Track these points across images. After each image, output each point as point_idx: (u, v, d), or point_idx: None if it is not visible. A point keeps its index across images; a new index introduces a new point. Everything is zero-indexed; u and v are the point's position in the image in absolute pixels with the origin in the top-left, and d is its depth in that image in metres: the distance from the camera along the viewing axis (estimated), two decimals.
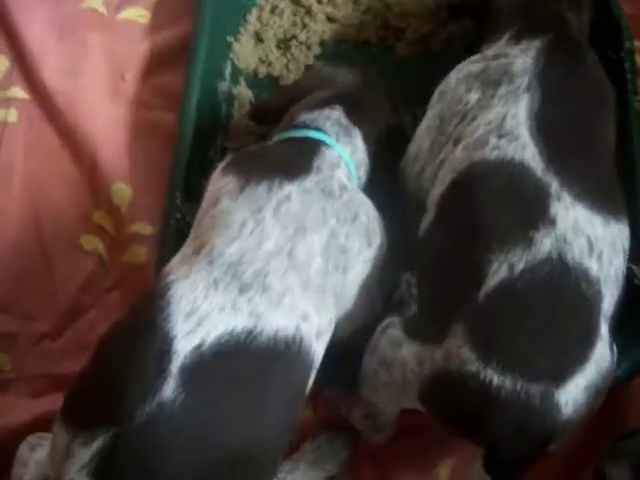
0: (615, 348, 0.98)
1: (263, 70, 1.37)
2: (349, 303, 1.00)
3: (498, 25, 1.16)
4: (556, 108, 1.01)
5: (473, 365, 0.88)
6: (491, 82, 1.04)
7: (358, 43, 1.42)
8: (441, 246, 0.99)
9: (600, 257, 0.92)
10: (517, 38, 1.10)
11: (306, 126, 1.06)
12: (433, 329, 0.93)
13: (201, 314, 0.87)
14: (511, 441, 0.90)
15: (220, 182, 0.99)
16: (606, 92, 1.10)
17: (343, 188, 1.00)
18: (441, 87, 1.12)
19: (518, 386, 0.87)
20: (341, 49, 1.41)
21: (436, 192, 1.02)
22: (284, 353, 0.89)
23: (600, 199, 0.96)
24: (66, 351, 1.21)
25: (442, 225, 0.99)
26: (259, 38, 1.40)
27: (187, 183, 1.23)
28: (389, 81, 1.33)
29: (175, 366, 0.83)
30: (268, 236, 0.92)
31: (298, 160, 1.00)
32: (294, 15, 1.42)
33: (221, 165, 1.02)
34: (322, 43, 1.41)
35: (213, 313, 0.87)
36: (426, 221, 1.02)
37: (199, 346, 0.85)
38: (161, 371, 0.83)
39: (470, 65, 1.09)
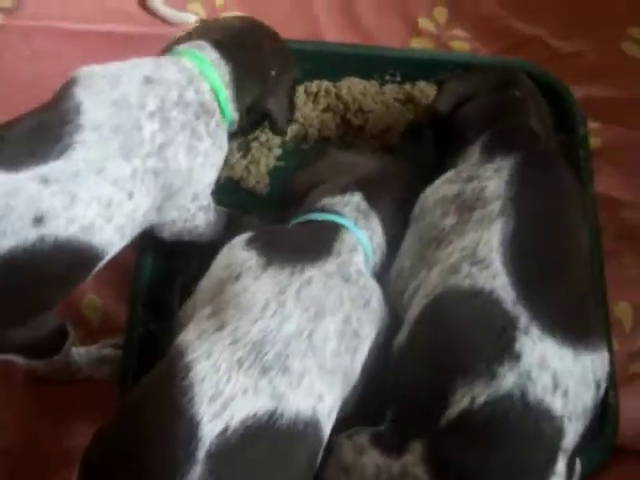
0: (578, 468, 0.99)
1: (224, 173, 1.36)
2: (352, 384, 1.01)
3: (466, 134, 1.19)
4: (529, 232, 1.02)
5: None
6: (466, 207, 1.06)
7: (319, 141, 1.44)
8: (412, 368, 0.99)
9: (566, 393, 0.92)
10: (489, 153, 1.12)
11: (326, 210, 1.10)
12: (395, 442, 0.94)
13: (225, 397, 0.88)
14: None
15: (241, 256, 1.02)
16: (578, 206, 1.11)
17: (359, 274, 1.04)
18: (421, 203, 1.13)
19: None
20: (302, 149, 1.43)
21: (410, 315, 1.03)
22: (303, 434, 0.91)
23: (571, 329, 0.95)
24: None
25: (414, 349, 1.00)
26: None
27: (150, 293, 1.25)
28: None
29: (202, 452, 0.85)
30: (289, 318, 0.95)
31: (319, 243, 1.04)
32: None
33: (242, 238, 1.05)
34: (283, 144, 1.42)
35: (237, 396, 0.89)
36: (400, 339, 1.03)
37: (224, 430, 0.86)
38: (188, 457, 0.85)
39: (446, 186, 1.11)
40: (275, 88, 1.25)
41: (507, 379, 0.90)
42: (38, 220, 0.98)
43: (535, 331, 0.93)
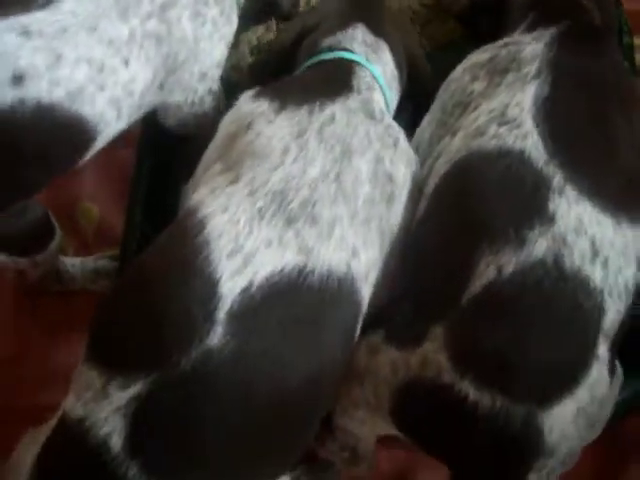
0: (619, 372, 0.88)
1: (235, 77, 1.25)
2: (389, 245, 0.89)
3: (514, 17, 1.08)
4: (569, 96, 0.92)
5: (448, 375, 0.78)
6: (498, 70, 0.97)
7: None
8: (429, 241, 0.89)
9: (606, 264, 0.81)
10: (531, 28, 1.02)
11: (333, 49, 1.00)
12: (412, 331, 0.82)
13: (246, 252, 0.79)
14: (484, 466, 0.80)
15: (250, 106, 0.92)
16: (627, 82, 1.01)
17: (382, 112, 0.94)
18: (448, 78, 1.04)
19: (497, 404, 0.76)
20: None
21: (430, 184, 0.92)
22: (336, 294, 0.81)
23: (614, 197, 0.85)
24: None
25: (432, 219, 0.90)
26: (234, 44, 1.31)
27: (149, 199, 1.15)
28: None
29: (222, 312, 0.76)
30: (313, 161, 0.85)
31: (336, 80, 0.95)
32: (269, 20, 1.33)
33: (249, 93, 0.94)
34: None
35: (259, 250, 0.79)
36: (418, 214, 0.91)
37: (247, 288, 0.77)
38: (207, 317, 0.76)
39: (478, 54, 1.02)
40: None
41: (539, 244, 0.80)
42: (17, 79, 0.86)
43: (571, 192, 0.82)
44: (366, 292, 0.84)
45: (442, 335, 0.79)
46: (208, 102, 1.09)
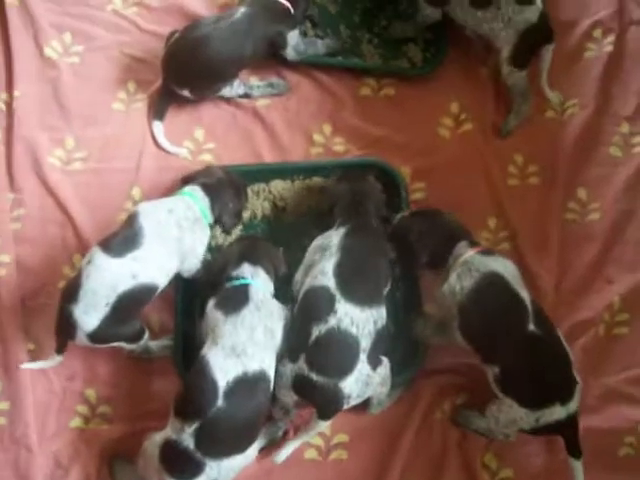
0: (386, 362, 2.19)
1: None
2: (278, 347, 2.13)
3: (335, 217, 2.37)
4: (349, 259, 2.19)
5: (306, 371, 2.08)
6: (323, 249, 2.25)
7: (263, 219, 2.63)
8: (296, 321, 2.18)
9: (358, 326, 2.10)
10: (338, 225, 2.30)
11: (238, 277, 2.23)
12: (295, 357, 2.12)
13: (225, 369, 1.99)
14: (322, 404, 2.11)
15: (214, 314, 2.12)
16: (382, 248, 2.27)
17: (263, 303, 2.16)
18: (309, 248, 2.32)
19: (323, 380, 2.07)
20: (254, 224, 2.63)
21: (299, 297, 2.22)
22: (259, 378, 2.04)
23: (362, 299, 2.13)
24: None
25: (297, 313, 2.19)
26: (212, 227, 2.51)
27: (185, 311, 2.45)
28: (283, 240, 2.54)
29: (221, 392, 1.97)
30: (241, 335, 2.07)
31: (240, 297, 2.15)
32: None
33: (212, 302, 2.17)
34: (243, 225, 2.62)
35: (229, 368, 1.99)
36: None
37: (228, 382, 1.97)
38: (215, 395, 1.97)
39: (318, 241, 2.30)
40: (227, 211, 2.43)
41: (331, 321, 2.10)
42: (134, 276, 2.18)
43: (342, 300, 2.12)
44: (272, 372, 2.07)
45: (304, 357, 2.10)
46: (201, 265, 2.39)
